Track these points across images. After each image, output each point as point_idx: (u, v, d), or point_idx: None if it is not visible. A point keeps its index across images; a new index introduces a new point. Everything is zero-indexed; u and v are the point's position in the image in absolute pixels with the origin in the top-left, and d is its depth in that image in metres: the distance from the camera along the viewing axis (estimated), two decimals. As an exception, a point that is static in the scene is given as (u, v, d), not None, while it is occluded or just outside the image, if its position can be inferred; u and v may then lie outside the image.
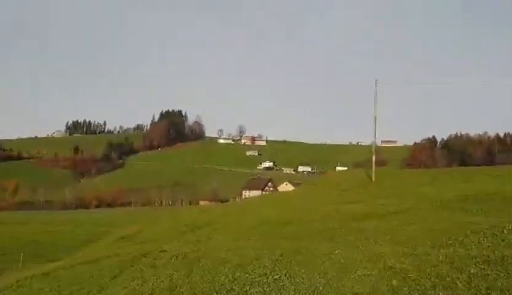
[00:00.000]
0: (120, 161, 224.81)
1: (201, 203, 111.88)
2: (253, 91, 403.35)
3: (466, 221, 8.82)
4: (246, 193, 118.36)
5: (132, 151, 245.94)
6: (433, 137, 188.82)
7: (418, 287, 5.58)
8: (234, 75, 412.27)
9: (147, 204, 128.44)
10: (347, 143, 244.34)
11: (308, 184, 63.73)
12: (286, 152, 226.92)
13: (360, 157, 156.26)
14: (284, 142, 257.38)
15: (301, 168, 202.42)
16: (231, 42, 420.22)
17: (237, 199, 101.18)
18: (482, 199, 11.50)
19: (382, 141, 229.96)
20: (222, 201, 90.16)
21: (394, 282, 5.89)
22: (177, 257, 9.95)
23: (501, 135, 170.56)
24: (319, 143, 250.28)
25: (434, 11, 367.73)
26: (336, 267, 7.09)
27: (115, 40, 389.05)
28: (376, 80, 36.09)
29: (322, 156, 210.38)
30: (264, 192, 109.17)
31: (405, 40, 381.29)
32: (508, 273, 5.39)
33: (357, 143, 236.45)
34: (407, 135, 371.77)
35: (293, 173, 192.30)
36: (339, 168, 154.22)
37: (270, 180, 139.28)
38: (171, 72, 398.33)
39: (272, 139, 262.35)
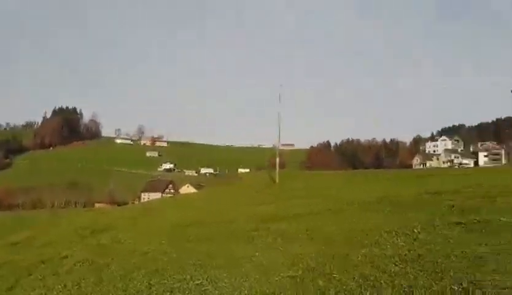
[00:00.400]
0: (7, 160, 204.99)
1: (97, 205, 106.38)
2: (154, 90, 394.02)
3: (378, 222, 9.20)
4: (145, 196, 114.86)
5: (21, 149, 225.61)
6: (328, 141, 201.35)
7: (344, 287, 5.60)
8: (135, 73, 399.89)
9: (38, 206, 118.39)
10: (250, 145, 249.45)
11: (213, 186, 63.65)
12: (188, 154, 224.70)
13: (261, 160, 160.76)
14: (186, 143, 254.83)
15: (203, 170, 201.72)
16: (133, 38, 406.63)
17: (135, 202, 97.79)
18: (390, 201, 12.13)
19: (281, 144, 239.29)
20: (119, 204, 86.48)
21: (320, 282, 5.87)
22: (82, 263, 9.11)
23: (388, 141, 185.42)
24: (221, 145, 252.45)
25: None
26: (258, 270, 6.92)
27: None
28: (281, 84, 37.34)
29: (225, 158, 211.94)
30: (164, 195, 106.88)
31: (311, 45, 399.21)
32: (426, 271, 5.62)
33: (259, 146, 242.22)
34: (304, 139, 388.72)
35: (195, 175, 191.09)
36: (241, 170, 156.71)
37: (171, 182, 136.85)
38: (64, 67, 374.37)
39: (174, 140, 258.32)
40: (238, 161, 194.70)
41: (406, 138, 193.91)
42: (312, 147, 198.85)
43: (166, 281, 7.02)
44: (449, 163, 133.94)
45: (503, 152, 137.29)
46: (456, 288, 4.84)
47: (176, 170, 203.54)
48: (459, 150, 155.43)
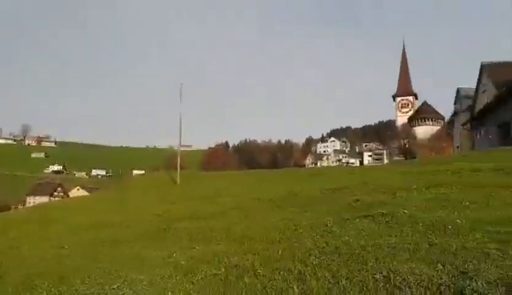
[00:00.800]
0: None
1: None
2: (41, 87, 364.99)
3: (290, 217, 9.44)
4: (31, 200, 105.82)
5: None
6: (226, 142, 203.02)
7: (270, 282, 5.62)
8: (19, 69, 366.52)
9: None
10: (144, 146, 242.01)
11: (108, 188, 60.39)
12: (78, 155, 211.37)
13: (157, 161, 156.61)
14: (76, 144, 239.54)
15: (95, 172, 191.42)
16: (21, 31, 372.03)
17: (19, 206, 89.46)
18: (296, 197, 12.53)
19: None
20: (1, 209, 78.43)
21: (246, 279, 5.83)
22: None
23: (283, 142, 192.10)
24: (114, 146, 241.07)
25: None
26: (179, 270, 6.67)
27: None
28: (181, 83, 36.70)
29: (118, 159, 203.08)
30: (52, 198, 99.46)
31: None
32: (346, 262, 5.86)
33: (155, 147, 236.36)
34: (201, 140, 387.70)
35: (86, 177, 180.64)
36: (136, 172, 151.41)
37: (60, 185, 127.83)
38: None
39: (62, 140, 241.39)
40: (132, 163, 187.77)
41: (300, 139, 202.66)
42: (210, 148, 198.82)
43: (77, 287, 6.45)
44: (337, 163, 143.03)
45: (384, 152, 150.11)
46: (378, 276, 5.10)
47: (65, 172, 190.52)
48: (346, 150, 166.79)
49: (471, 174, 12.98)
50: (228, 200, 14.77)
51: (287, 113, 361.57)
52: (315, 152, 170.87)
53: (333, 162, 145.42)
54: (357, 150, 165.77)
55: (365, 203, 9.53)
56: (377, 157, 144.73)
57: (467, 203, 8.18)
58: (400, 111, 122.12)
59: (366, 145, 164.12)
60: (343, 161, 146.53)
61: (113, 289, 6.16)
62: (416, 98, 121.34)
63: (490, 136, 34.58)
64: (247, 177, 29.13)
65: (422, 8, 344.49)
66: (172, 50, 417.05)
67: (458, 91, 49.21)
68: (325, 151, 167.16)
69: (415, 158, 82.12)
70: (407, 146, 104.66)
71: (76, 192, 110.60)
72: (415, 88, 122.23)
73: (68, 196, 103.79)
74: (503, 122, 31.75)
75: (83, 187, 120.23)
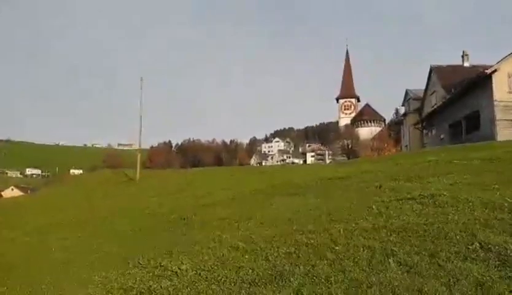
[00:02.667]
0: None
1: None
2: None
3: (318, 203, 9.39)
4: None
5: None
6: (169, 141, 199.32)
7: (357, 255, 5.52)
8: None
9: None
10: (81, 145, 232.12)
11: (50, 187, 57.09)
12: (10, 153, 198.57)
13: (94, 160, 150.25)
14: (8, 141, 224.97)
15: (29, 171, 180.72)
16: None
17: None
18: (286, 186, 12.55)
19: (118, 144, 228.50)
20: None
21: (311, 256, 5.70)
22: None
23: (228, 142, 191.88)
24: (49, 144, 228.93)
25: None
26: (241, 251, 6.44)
27: None
28: (141, 78, 35.41)
29: (53, 158, 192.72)
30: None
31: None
32: (427, 238, 5.87)
33: (92, 145, 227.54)
34: (142, 139, 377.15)
35: (20, 176, 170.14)
36: (74, 171, 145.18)
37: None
38: None
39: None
40: (69, 162, 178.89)
41: (243, 140, 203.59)
42: (152, 147, 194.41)
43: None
44: (281, 162, 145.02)
45: (326, 152, 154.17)
46: (472, 247, 5.18)
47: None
48: (291, 150, 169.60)
49: (458, 163, 13.48)
50: (225, 193, 14.49)
51: (229, 113, 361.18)
52: (260, 151, 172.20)
53: (277, 162, 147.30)
54: (300, 150, 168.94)
55: (391, 189, 9.62)
56: (320, 157, 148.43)
57: (496, 186, 8.45)
58: (343, 113, 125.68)
59: (309, 146, 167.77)
60: (287, 161, 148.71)
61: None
62: (358, 100, 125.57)
63: (441, 135, 36.51)
64: (202, 174, 28.93)
65: (366, 11, 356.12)
66: (111, 48, 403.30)
67: (406, 92, 51.48)
68: (269, 151, 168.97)
69: (358, 157, 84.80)
70: (350, 147, 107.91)
71: (10, 192, 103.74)
72: (357, 91, 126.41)
73: (1, 196, 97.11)
74: (454, 121, 33.62)
75: (17, 187, 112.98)
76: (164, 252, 7.10)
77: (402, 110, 60.83)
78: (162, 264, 6.44)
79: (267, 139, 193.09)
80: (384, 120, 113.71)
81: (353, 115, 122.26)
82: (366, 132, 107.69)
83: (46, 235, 11.43)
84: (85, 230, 11.16)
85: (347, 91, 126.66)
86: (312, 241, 6.30)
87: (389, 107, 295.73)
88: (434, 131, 38.54)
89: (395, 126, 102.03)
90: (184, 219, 10.09)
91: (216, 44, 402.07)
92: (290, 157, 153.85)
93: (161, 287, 5.48)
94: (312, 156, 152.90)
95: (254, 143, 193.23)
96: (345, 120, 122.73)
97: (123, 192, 22.89)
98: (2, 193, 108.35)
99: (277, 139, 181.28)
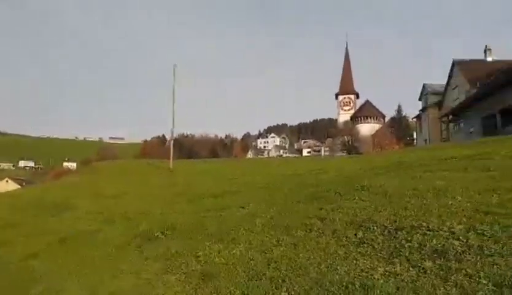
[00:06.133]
0: None
1: None
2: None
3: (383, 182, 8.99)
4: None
5: None
6: (163, 135, 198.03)
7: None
8: None
9: None
10: (73, 138, 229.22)
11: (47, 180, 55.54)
12: (2, 145, 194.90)
13: (87, 153, 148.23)
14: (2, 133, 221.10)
15: (22, 163, 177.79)
16: None
17: None
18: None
19: (109, 138, 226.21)
20: None
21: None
22: None
23: (223, 136, 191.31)
24: (42, 137, 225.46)
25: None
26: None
27: None
28: (175, 65, 34.43)
29: (46, 151, 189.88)
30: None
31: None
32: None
33: (84, 138, 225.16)
34: (135, 133, 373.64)
35: (13, 168, 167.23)
36: (67, 164, 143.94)
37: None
38: None
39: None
40: (61, 154, 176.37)
41: (237, 135, 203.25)
42: (146, 141, 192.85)
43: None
44: (279, 157, 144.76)
45: (322, 148, 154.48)
46: None
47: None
48: (286, 146, 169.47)
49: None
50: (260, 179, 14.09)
51: (223, 109, 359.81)
52: (256, 147, 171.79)
53: (276, 156, 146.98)
54: (296, 146, 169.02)
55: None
56: (317, 154, 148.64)
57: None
58: (342, 109, 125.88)
59: (304, 142, 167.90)
60: (284, 156, 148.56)
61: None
62: (357, 97, 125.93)
63: (471, 129, 36.39)
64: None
65: (366, 8, 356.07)
66: (106, 39, 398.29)
67: (424, 87, 51.50)
68: (264, 146, 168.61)
69: (360, 153, 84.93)
70: (350, 143, 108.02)
71: (5, 185, 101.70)
72: (356, 87, 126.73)
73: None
74: (489, 114, 33.48)
75: (12, 179, 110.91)
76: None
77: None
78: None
79: (261, 135, 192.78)
80: (384, 116, 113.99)
81: (352, 111, 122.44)
82: (366, 129, 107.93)
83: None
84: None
85: (347, 87, 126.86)
86: None
87: (388, 104, 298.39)
88: (462, 125, 38.42)
89: (393, 123, 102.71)
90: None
91: (212, 40, 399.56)
92: (286, 153, 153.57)
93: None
94: (308, 152, 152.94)
95: (248, 139, 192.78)
96: (344, 117, 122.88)
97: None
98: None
99: (273, 134, 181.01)
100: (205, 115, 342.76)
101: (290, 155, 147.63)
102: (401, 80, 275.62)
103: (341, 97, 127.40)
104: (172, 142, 33.51)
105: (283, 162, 31.33)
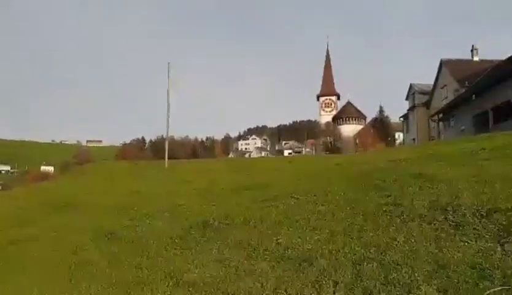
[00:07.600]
0: None
1: None
2: None
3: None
4: None
5: None
6: (142, 138, 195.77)
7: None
8: None
9: None
10: (49, 141, 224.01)
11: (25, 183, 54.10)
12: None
13: (64, 156, 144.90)
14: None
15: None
16: None
17: None
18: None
19: (87, 141, 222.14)
20: None
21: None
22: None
23: (204, 139, 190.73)
24: (14, 140, 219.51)
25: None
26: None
27: None
28: (169, 63, 33.83)
29: (21, 154, 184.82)
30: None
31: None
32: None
33: (61, 142, 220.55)
34: (113, 136, 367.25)
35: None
36: (44, 167, 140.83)
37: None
38: None
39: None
40: (36, 158, 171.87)
41: (218, 137, 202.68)
42: (124, 143, 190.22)
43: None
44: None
45: (303, 149, 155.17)
46: None
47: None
48: (268, 147, 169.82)
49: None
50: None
51: (202, 111, 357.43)
52: (237, 149, 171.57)
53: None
54: (277, 147, 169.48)
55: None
56: (298, 155, 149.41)
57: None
58: (324, 110, 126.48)
59: (285, 144, 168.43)
60: (284, 155, 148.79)
61: None
62: (338, 98, 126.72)
63: (462, 126, 37.07)
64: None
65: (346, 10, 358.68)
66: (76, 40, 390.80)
67: (411, 87, 52.27)
68: (246, 148, 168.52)
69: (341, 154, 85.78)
70: (332, 143, 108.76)
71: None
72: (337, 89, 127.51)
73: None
74: (480, 112, 34.17)
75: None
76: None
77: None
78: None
79: (241, 137, 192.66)
80: (365, 117, 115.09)
81: (333, 112, 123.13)
82: (348, 129, 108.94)
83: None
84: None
85: (328, 89, 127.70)
86: None
87: (369, 105, 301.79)
88: (453, 123, 39.09)
89: (375, 123, 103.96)
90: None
91: (189, 42, 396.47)
92: (267, 154, 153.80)
93: None
94: (289, 153, 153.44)
95: (228, 140, 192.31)
96: (326, 118, 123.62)
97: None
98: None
99: (254, 136, 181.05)
100: (185, 117, 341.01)
101: (279, 156, 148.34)
102: (382, 81, 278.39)
103: (322, 98, 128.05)
104: (167, 142, 33.17)
105: (291, 159, 31.25)
